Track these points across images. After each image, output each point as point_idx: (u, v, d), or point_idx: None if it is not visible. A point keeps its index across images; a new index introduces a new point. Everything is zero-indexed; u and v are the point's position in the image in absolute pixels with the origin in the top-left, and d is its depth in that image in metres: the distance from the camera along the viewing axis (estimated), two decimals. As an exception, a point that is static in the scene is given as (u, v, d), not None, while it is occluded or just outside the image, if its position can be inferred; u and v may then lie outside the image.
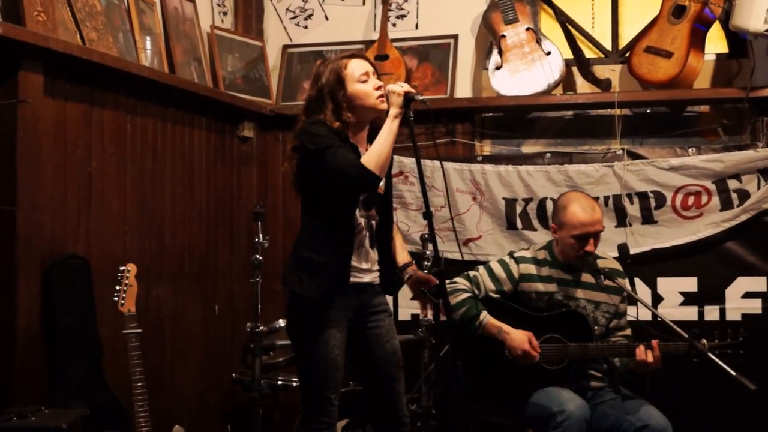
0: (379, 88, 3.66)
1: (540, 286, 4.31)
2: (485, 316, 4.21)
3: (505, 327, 4.18)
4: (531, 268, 4.35)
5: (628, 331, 4.37)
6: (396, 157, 5.01)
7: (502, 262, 4.41)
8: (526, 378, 4.18)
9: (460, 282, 4.35)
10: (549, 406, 3.98)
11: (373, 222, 3.73)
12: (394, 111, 3.55)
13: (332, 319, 3.61)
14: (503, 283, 4.34)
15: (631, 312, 4.46)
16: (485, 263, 4.48)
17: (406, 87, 3.57)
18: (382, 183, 3.69)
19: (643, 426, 3.99)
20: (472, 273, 4.40)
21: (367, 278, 3.72)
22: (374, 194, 3.68)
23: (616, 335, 4.33)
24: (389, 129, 3.54)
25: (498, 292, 4.33)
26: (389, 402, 3.80)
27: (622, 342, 4.27)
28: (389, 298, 3.92)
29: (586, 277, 4.30)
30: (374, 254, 3.74)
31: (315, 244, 3.63)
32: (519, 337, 4.15)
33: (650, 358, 4.02)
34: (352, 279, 3.65)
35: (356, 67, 3.70)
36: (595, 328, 4.26)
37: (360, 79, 3.67)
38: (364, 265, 3.70)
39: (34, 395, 3.92)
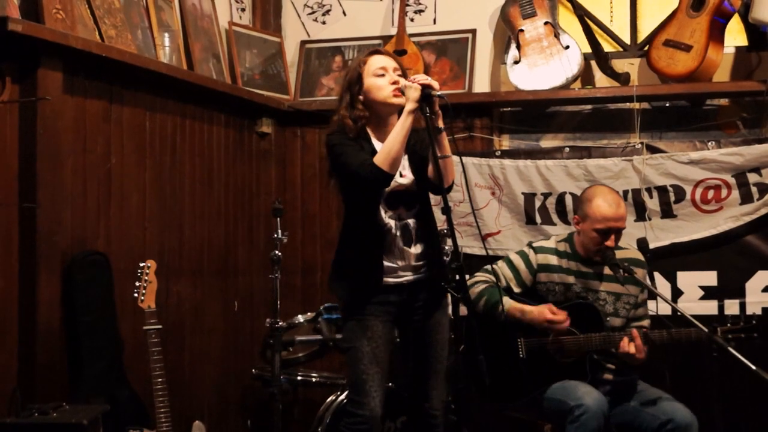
0: (395, 83, 3.66)
1: (557, 277, 4.30)
2: (507, 302, 4.21)
3: (526, 307, 4.18)
4: (550, 259, 4.34)
5: (646, 322, 4.35)
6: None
7: (521, 253, 4.41)
8: (541, 372, 4.18)
9: (480, 275, 4.36)
10: (566, 401, 3.97)
11: (409, 221, 3.74)
12: (408, 106, 3.54)
13: (372, 316, 3.69)
14: (522, 272, 4.34)
15: (651, 306, 4.44)
16: (504, 257, 4.48)
17: (423, 81, 3.54)
18: (407, 181, 3.72)
19: (667, 420, 3.96)
20: (490, 266, 4.41)
21: (406, 277, 3.75)
22: (397, 192, 3.70)
23: (631, 326, 4.29)
24: (401, 125, 3.55)
25: (517, 281, 4.33)
26: (421, 394, 3.86)
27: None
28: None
29: (607, 270, 4.27)
30: (413, 250, 3.74)
31: (348, 249, 3.77)
32: (538, 312, 4.16)
33: (632, 349, 4.00)
34: (388, 279, 3.71)
35: (375, 62, 3.74)
36: (617, 319, 4.25)
37: (376, 72, 3.71)
38: (400, 263, 3.72)
39: (55, 391, 3.94)
